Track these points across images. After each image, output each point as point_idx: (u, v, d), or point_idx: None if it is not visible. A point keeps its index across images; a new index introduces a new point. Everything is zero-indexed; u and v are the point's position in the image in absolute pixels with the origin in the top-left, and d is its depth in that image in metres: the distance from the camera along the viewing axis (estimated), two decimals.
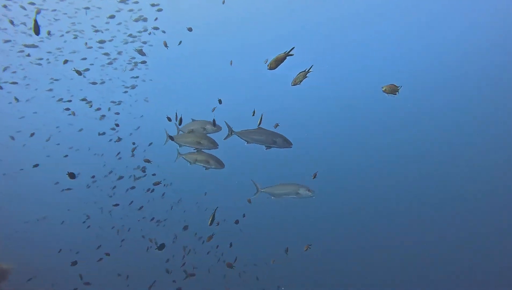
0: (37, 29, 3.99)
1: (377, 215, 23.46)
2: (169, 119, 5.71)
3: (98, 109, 13.02)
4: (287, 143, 4.86)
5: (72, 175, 5.50)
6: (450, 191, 24.77)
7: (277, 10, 30.19)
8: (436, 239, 20.17)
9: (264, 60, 4.15)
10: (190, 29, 9.54)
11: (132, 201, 12.73)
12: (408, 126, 29.28)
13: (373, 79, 29.84)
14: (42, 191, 21.41)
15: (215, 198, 18.88)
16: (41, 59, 15.27)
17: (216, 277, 13.32)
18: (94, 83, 15.05)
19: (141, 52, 10.37)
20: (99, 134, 11.97)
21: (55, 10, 17.04)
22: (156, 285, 11.57)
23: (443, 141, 28.23)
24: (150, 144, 13.30)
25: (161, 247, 6.65)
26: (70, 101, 12.31)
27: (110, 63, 15.90)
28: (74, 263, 8.47)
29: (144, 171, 10.83)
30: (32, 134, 12.41)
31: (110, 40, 15.98)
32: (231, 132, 4.98)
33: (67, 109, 10.85)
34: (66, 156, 14.18)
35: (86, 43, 13.63)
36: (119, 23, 16.95)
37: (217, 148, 5.13)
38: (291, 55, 3.39)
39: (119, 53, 18.27)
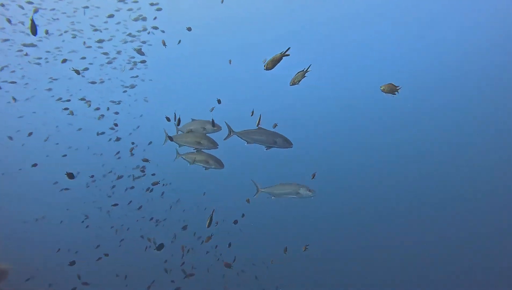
0: (34, 29, 3.91)
1: (376, 215, 23.44)
2: (168, 119, 5.68)
3: (97, 108, 13.00)
4: (287, 143, 4.84)
5: (70, 175, 5.47)
6: (450, 191, 24.76)
7: (277, 10, 30.16)
8: (436, 239, 20.15)
9: (263, 59, 4.14)
10: (189, 29, 9.53)
11: (131, 201, 12.70)
12: (408, 126, 29.27)
13: (373, 79, 29.83)
14: (41, 190, 21.35)
15: (214, 198, 18.88)
16: (40, 58, 15.21)
17: (215, 276, 13.29)
18: (93, 83, 14.99)
19: (140, 52, 10.34)
20: (98, 134, 11.93)
21: (53, 9, 16.97)
22: (155, 285, 11.54)
23: (443, 141, 28.21)
24: (150, 143, 13.26)
25: (160, 247, 6.64)
26: (69, 100, 12.26)
27: (109, 63, 15.86)
28: (72, 263, 8.44)
29: (143, 171, 10.79)
30: (30, 134, 12.36)
31: (109, 40, 15.94)
32: (231, 132, 4.95)
33: (66, 108, 10.81)
34: (65, 155, 14.13)
35: (84, 42, 13.59)
36: (118, 23, 16.90)
37: (217, 148, 5.10)
38: (287, 55, 3.44)
39: (118, 52, 18.22)
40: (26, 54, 14.26)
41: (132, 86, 18.28)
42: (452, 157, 27.38)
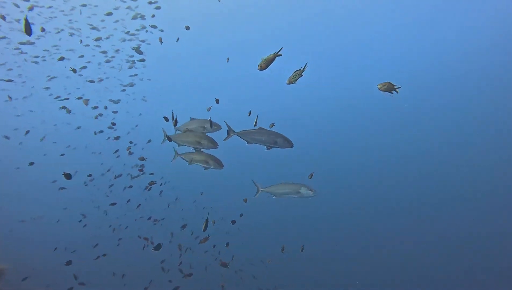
0: (28, 29, 3.75)
1: (376, 214, 23.41)
2: (166, 119, 5.60)
3: (96, 107, 12.91)
4: (288, 143, 4.80)
5: (68, 176, 5.37)
6: (450, 191, 24.75)
7: (277, 9, 30.08)
8: (436, 239, 20.14)
9: (261, 58, 4.12)
10: (187, 28, 9.45)
11: (129, 199, 12.61)
12: (408, 126, 29.26)
13: (373, 79, 29.77)
14: (38, 189, 21.28)
15: (214, 198, 18.82)
16: (37, 56, 15.08)
17: (213, 276, 13.23)
18: (91, 82, 14.89)
19: (138, 51, 10.25)
20: (95, 133, 11.83)
21: (51, 7, 16.84)
22: (152, 285, 11.48)
23: (443, 141, 28.21)
24: (149, 141, 13.17)
25: (158, 247, 6.60)
26: (67, 99, 12.16)
27: (108, 61, 15.75)
28: (69, 263, 8.39)
29: (142, 171, 10.71)
30: (27, 132, 12.28)
31: (107, 38, 15.81)
32: (231, 132, 4.89)
33: (63, 107, 10.71)
34: (63, 154, 14.03)
35: (81, 41, 13.47)
36: (117, 21, 16.77)
37: (217, 148, 5.03)
38: (280, 55, 3.58)
39: (117, 51, 18.12)
40: (21, 52, 14.14)
41: (131, 85, 18.17)
42: (452, 157, 27.38)
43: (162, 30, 13.30)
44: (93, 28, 14.64)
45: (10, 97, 11.89)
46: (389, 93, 4.10)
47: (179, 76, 33.66)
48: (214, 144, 5.02)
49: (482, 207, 23.02)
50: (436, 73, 30.44)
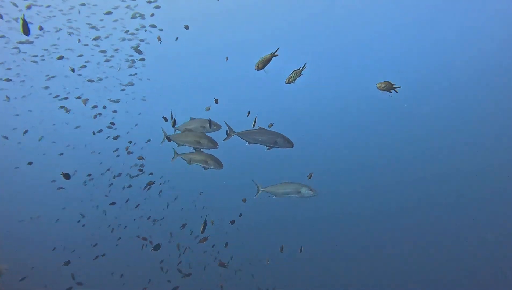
0: (26, 29, 3.70)
1: (376, 215, 23.39)
2: (166, 119, 5.58)
3: (95, 106, 12.88)
4: (288, 143, 4.78)
5: (66, 176, 5.35)
6: (450, 191, 24.75)
7: (276, 8, 30.06)
8: (436, 239, 20.13)
9: (260, 58, 4.14)
10: (187, 27, 9.43)
11: (128, 199, 12.59)
12: (408, 126, 29.27)
13: (373, 79, 29.71)
14: (37, 189, 21.22)
15: (213, 198, 18.80)
16: (36, 56, 15.04)
17: (212, 276, 13.22)
18: (91, 81, 14.85)
19: (137, 50, 10.23)
20: (94, 133, 11.79)
21: (49, 6, 16.80)
22: (151, 285, 11.46)
23: (443, 141, 28.21)
24: (149, 140, 13.15)
25: (157, 247, 6.60)
26: (66, 98, 12.12)
27: (107, 61, 15.72)
28: (67, 263, 8.37)
29: (141, 170, 10.68)
30: (26, 132, 12.23)
31: (106, 37, 15.77)
32: (231, 132, 4.86)
33: (62, 107, 10.68)
34: (62, 154, 13.99)
35: (79, 40, 13.43)
36: (116, 20, 16.74)
37: (217, 147, 5.01)
38: (276, 55, 3.62)
39: (116, 50, 18.10)
40: (20, 51, 14.09)
41: (131, 84, 18.13)
42: (452, 157, 27.38)
43: (161, 30, 13.27)
44: (92, 27, 14.61)
45: (8, 97, 11.84)
46: (388, 93, 4.09)
47: (178, 75, 33.62)
48: (214, 144, 4.99)
49: (482, 207, 23.01)
50: (436, 73, 30.46)
